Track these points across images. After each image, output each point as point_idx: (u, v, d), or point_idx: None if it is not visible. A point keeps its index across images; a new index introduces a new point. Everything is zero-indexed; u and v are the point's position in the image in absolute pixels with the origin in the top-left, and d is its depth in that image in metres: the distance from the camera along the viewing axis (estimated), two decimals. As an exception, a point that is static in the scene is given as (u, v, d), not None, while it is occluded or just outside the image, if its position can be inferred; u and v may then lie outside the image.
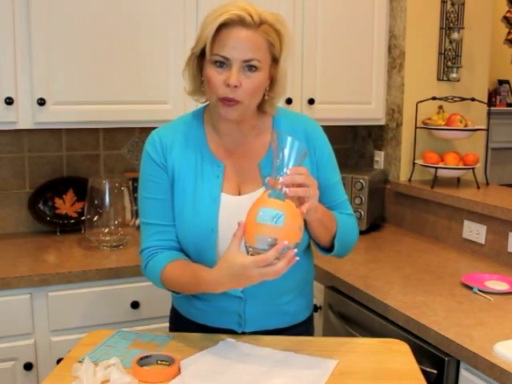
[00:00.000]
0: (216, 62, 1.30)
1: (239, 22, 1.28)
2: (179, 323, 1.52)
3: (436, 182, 2.51)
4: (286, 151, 1.18)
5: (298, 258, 1.18)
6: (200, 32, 1.33)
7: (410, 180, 2.65)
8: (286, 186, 1.17)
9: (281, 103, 2.37)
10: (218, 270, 1.22)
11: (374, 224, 2.63)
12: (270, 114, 1.45)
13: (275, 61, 1.35)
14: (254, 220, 1.17)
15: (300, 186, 1.19)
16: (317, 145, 1.45)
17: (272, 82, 1.38)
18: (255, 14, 1.29)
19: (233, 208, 1.32)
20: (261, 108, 1.42)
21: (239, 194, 1.39)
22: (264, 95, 1.37)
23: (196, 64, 1.37)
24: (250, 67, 1.30)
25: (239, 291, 1.39)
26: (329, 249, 1.44)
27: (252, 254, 1.18)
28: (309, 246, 1.51)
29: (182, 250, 1.42)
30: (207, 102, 1.44)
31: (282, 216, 1.15)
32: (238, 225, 1.18)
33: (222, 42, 1.28)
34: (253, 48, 1.29)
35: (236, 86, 1.28)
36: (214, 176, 1.39)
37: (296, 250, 1.17)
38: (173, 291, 1.41)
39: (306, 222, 1.33)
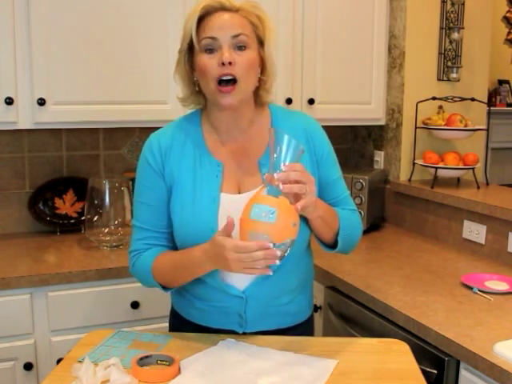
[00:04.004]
0: (206, 49, 1.33)
1: (220, 7, 1.34)
2: (179, 325, 1.51)
3: (436, 182, 2.51)
4: (283, 148, 1.19)
5: (270, 273, 1.21)
6: (184, 28, 1.37)
7: (410, 180, 2.65)
8: (282, 183, 1.18)
9: (281, 103, 2.40)
10: (203, 247, 1.28)
11: (374, 224, 2.63)
12: (266, 107, 1.47)
13: (261, 44, 1.38)
14: (247, 217, 1.18)
15: (296, 182, 1.19)
16: (316, 142, 1.45)
17: (262, 65, 1.40)
18: (233, 1, 1.35)
19: (233, 207, 1.31)
20: (257, 96, 1.43)
21: (239, 193, 1.39)
22: (258, 80, 1.40)
23: (187, 60, 1.39)
24: (240, 47, 1.33)
25: (240, 291, 1.39)
26: (332, 245, 1.44)
27: None
28: (309, 246, 1.51)
29: None
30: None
31: (274, 212, 1.16)
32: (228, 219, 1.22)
33: (208, 27, 1.33)
34: (238, 25, 1.34)
35: (230, 63, 1.30)
36: (213, 176, 1.39)
37: (278, 261, 1.19)
38: (162, 286, 1.41)
39: (307, 220, 1.34)
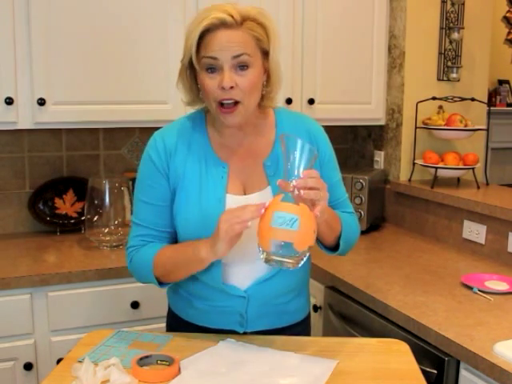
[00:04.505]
0: (207, 68, 1.30)
1: (221, 24, 1.28)
2: (178, 326, 1.50)
3: (436, 182, 2.51)
4: (297, 154, 1.18)
5: None
6: (185, 42, 1.33)
7: (409, 180, 2.65)
8: (300, 189, 1.17)
9: (281, 103, 2.40)
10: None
11: (373, 224, 2.63)
12: (270, 110, 1.46)
13: (266, 54, 1.35)
14: (268, 224, 1.16)
15: (311, 188, 1.19)
16: (319, 144, 1.45)
17: (268, 76, 1.38)
18: (236, 13, 1.29)
19: None
20: (261, 105, 1.42)
21: (244, 194, 1.39)
22: (262, 91, 1.38)
23: (189, 74, 1.37)
24: (242, 66, 1.29)
25: (242, 291, 1.39)
26: (333, 248, 1.45)
27: (267, 259, 1.20)
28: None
29: None
30: None
31: (297, 220, 1.15)
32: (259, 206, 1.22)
33: (209, 46, 1.28)
34: (240, 44, 1.29)
35: (232, 87, 1.28)
36: (219, 177, 1.39)
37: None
38: (161, 281, 1.40)
39: None
